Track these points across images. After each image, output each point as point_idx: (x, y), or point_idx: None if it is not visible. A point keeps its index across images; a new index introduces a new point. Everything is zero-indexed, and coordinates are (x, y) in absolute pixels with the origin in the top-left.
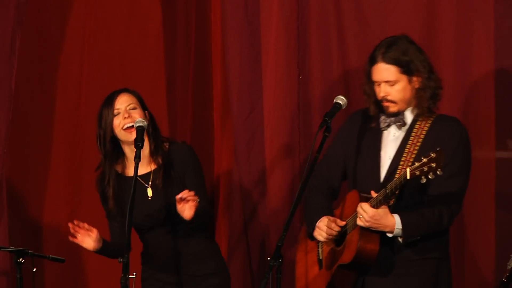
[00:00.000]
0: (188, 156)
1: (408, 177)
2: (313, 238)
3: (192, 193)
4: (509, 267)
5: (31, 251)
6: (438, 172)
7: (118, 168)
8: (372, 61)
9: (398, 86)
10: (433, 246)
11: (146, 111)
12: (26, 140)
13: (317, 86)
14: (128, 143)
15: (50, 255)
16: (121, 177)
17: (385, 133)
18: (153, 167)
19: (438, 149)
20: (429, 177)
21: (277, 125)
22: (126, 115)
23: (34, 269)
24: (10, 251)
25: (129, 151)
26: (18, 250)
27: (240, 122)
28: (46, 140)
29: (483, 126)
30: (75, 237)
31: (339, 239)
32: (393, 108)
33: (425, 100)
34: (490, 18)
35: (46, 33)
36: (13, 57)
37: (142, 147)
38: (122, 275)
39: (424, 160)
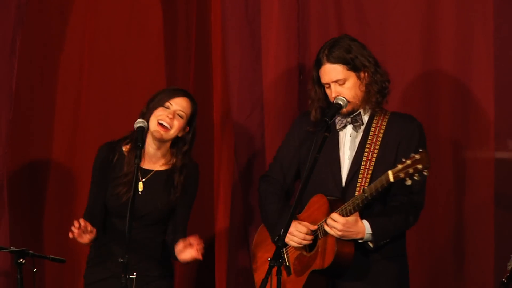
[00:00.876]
0: (193, 181)
1: (391, 180)
2: (284, 244)
3: (201, 243)
4: (509, 268)
5: (31, 252)
6: (424, 173)
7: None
8: (318, 64)
9: (348, 84)
10: (394, 245)
11: (188, 126)
12: (26, 140)
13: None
14: (152, 134)
15: (51, 256)
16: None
17: (341, 134)
18: (158, 167)
19: (421, 150)
20: (415, 178)
21: (277, 125)
22: (170, 116)
23: (35, 270)
24: (10, 252)
25: (148, 144)
26: (18, 251)
27: (241, 122)
28: (46, 140)
29: (482, 127)
30: (73, 232)
31: (308, 244)
32: (347, 107)
33: (373, 95)
34: (490, 18)
35: (47, 33)
36: (13, 57)
37: (142, 147)
38: (122, 275)
39: (408, 162)
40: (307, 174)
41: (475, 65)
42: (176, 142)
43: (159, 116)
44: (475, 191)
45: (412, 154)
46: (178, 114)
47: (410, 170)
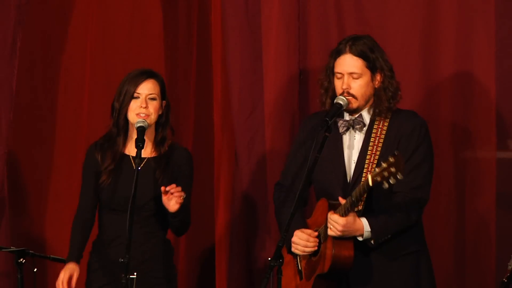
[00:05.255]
0: (186, 162)
1: (370, 184)
2: (291, 251)
3: (178, 188)
4: (509, 267)
5: (32, 252)
6: (398, 177)
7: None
8: (338, 53)
9: (361, 81)
10: (408, 241)
11: (163, 101)
12: (27, 140)
13: (317, 86)
14: (135, 126)
15: (51, 256)
16: (120, 154)
17: (345, 137)
18: (148, 154)
19: (396, 153)
20: (390, 182)
21: (277, 125)
22: (144, 105)
23: (35, 270)
24: (11, 251)
25: (134, 132)
26: (19, 251)
27: (241, 122)
28: (48, 140)
29: (484, 127)
30: None
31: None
32: (352, 104)
33: (385, 100)
34: (491, 18)
35: (48, 33)
36: (14, 58)
37: (142, 147)
38: (122, 275)
39: (384, 165)
40: (306, 174)
41: (476, 65)
42: (158, 122)
43: (134, 110)
44: (476, 191)
45: (388, 157)
46: (149, 99)
47: (386, 174)
